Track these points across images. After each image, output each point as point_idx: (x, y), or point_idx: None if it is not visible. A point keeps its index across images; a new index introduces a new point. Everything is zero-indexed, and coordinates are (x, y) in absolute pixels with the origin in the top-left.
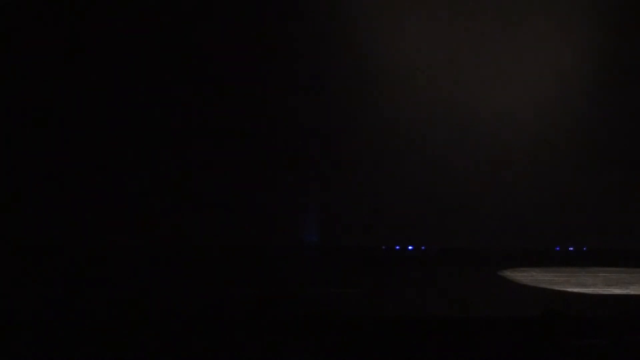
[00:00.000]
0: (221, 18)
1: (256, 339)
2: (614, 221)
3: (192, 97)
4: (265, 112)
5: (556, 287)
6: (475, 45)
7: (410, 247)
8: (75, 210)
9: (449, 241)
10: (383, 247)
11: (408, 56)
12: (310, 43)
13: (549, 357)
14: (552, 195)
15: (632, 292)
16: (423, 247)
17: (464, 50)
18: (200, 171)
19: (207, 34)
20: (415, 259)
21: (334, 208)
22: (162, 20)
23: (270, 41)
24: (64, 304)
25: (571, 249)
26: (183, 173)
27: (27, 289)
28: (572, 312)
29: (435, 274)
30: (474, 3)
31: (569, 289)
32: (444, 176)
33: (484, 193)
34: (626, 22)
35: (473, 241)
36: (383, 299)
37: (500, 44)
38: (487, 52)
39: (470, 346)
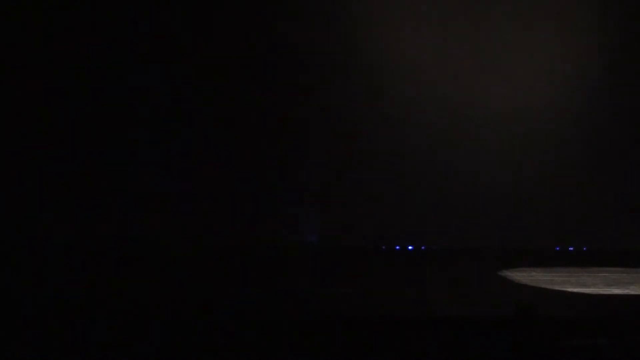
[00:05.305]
0: (221, 18)
1: (256, 338)
2: (614, 221)
3: (192, 97)
4: (265, 112)
5: (556, 287)
6: (478, 46)
7: (410, 247)
8: (74, 208)
9: (449, 241)
10: (383, 247)
11: (410, 56)
12: (312, 43)
13: (549, 356)
14: (552, 196)
15: (632, 292)
16: (423, 247)
17: (468, 51)
18: (200, 171)
19: (212, 35)
20: (415, 259)
21: (334, 208)
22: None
23: (273, 41)
24: (63, 304)
25: (571, 249)
26: (183, 173)
27: (27, 288)
28: (572, 311)
29: (435, 273)
30: (478, 3)
31: (569, 289)
32: (445, 176)
33: (484, 193)
34: (628, 21)
35: (473, 241)
36: (383, 299)
37: (502, 44)
38: (489, 53)
39: (470, 346)
